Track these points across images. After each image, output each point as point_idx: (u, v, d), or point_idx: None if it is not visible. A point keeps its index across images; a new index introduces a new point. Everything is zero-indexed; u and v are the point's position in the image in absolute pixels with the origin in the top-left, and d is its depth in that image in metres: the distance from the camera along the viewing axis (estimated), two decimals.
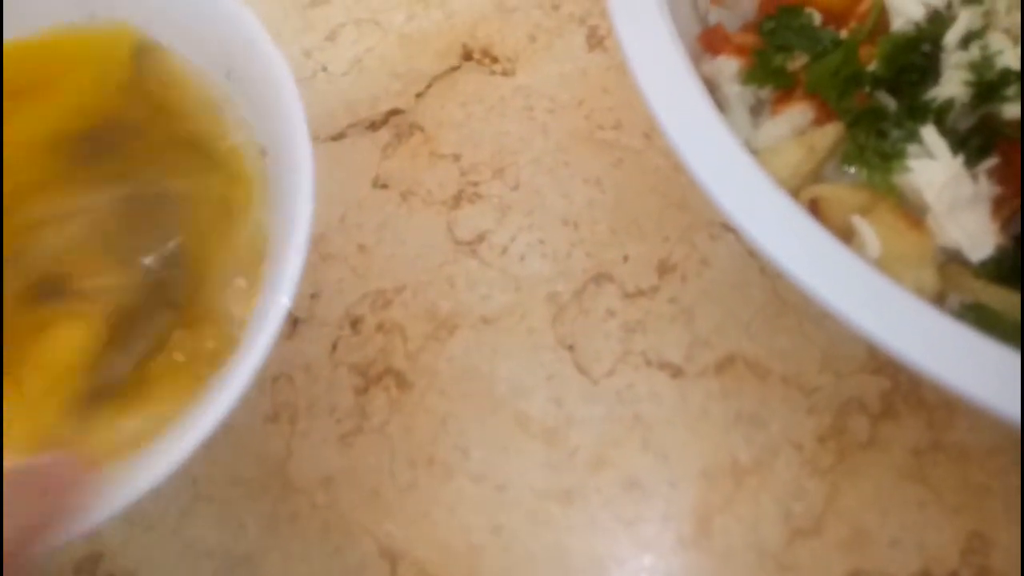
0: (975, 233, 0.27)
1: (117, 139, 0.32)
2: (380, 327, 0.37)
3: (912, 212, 0.28)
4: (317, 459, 0.35)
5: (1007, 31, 0.29)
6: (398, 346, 0.37)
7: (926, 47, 0.29)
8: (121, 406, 0.27)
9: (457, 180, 0.40)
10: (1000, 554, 0.31)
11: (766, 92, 0.32)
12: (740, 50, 0.32)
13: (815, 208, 0.29)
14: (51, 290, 0.29)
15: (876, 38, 0.30)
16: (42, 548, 0.22)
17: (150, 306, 0.29)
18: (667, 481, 0.34)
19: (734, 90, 0.32)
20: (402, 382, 0.36)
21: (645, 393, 0.35)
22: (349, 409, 0.36)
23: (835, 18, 0.32)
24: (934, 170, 0.27)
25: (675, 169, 0.38)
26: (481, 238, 0.39)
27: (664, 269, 0.37)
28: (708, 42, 0.33)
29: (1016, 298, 0.27)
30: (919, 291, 0.27)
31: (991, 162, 0.28)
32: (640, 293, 0.37)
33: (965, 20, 0.29)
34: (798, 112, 0.31)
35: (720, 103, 0.32)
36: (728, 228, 0.37)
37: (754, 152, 0.30)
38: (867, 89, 0.30)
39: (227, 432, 0.25)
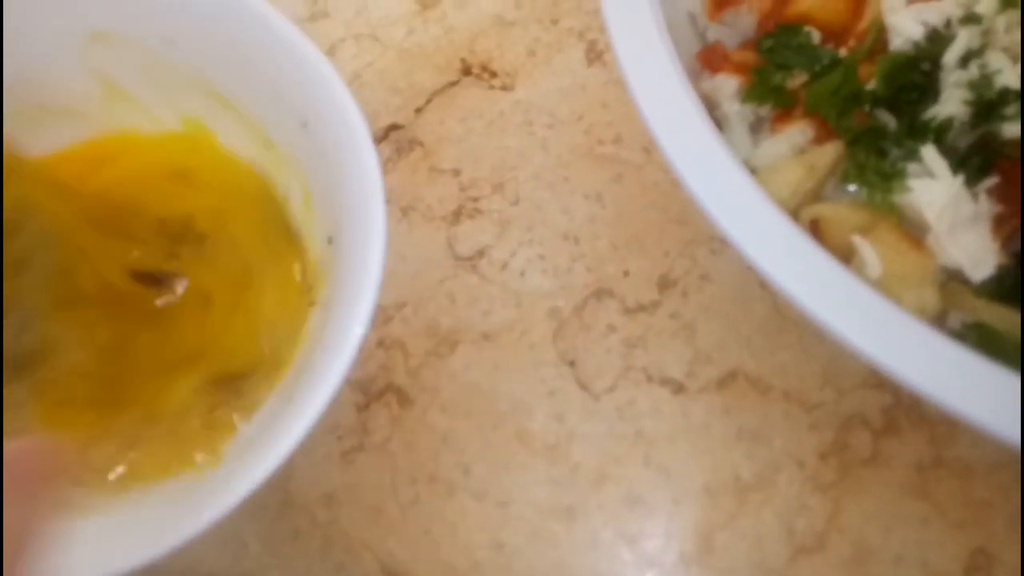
0: (976, 252, 0.27)
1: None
2: (381, 343, 0.37)
3: (913, 231, 0.28)
4: (318, 476, 0.35)
5: (1006, 50, 0.29)
6: (399, 362, 0.37)
7: (925, 66, 0.29)
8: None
9: (457, 195, 0.40)
10: (1004, 571, 0.31)
11: (766, 110, 0.32)
12: (739, 68, 0.32)
13: (816, 228, 0.29)
14: None
15: (875, 57, 0.30)
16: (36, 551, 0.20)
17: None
18: (669, 498, 0.34)
19: (733, 108, 0.32)
20: (403, 398, 0.36)
21: (647, 409, 0.35)
22: (351, 426, 0.36)
23: (834, 36, 0.32)
24: (935, 189, 0.27)
25: (675, 184, 0.38)
26: (481, 253, 0.39)
27: (665, 284, 0.37)
28: (707, 60, 0.33)
29: (1017, 317, 0.27)
30: (920, 310, 0.27)
31: (991, 181, 0.28)
32: (641, 308, 0.37)
33: (964, 39, 0.29)
34: (798, 130, 0.31)
35: (719, 121, 0.32)
36: (729, 243, 0.37)
37: (754, 171, 0.30)
38: (867, 108, 0.30)
39: None
